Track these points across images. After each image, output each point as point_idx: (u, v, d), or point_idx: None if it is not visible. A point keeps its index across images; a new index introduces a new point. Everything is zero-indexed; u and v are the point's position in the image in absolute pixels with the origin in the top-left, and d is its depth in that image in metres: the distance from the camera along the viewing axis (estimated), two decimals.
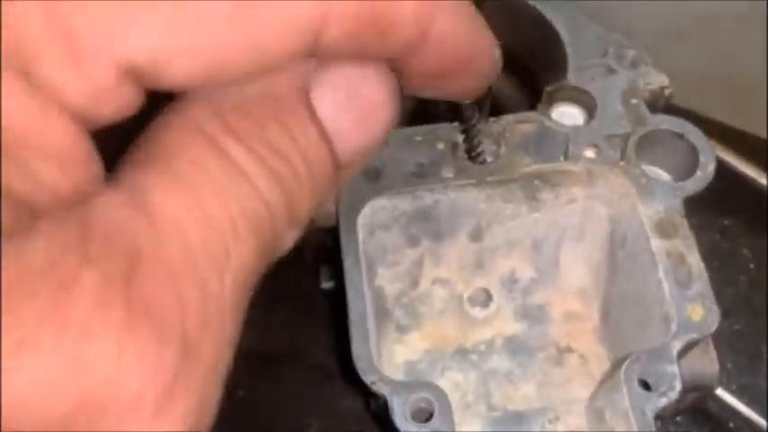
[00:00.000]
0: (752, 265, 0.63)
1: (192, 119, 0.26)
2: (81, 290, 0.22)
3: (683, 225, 0.44)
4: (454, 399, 0.51)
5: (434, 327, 0.53)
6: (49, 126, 0.24)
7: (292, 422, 0.59)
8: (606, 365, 0.50)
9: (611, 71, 0.49)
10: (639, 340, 0.45)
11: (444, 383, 0.50)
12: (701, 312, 0.42)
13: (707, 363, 0.45)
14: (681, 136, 0.46)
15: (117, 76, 0.25)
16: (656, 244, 0.44)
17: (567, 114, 0.48)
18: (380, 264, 0.50)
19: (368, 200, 0.46)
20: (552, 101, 0.48)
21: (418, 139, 0.47)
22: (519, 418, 0.49)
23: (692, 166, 0.46)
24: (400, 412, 0.40)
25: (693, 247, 0.43)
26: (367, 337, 0.42)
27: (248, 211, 0.26)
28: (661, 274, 0.43)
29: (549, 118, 0.47)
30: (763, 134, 0.65)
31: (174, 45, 0.25)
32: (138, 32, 0.24)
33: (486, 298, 0.52)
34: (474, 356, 0.53)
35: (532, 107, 0.48)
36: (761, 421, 0.56)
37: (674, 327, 0.41)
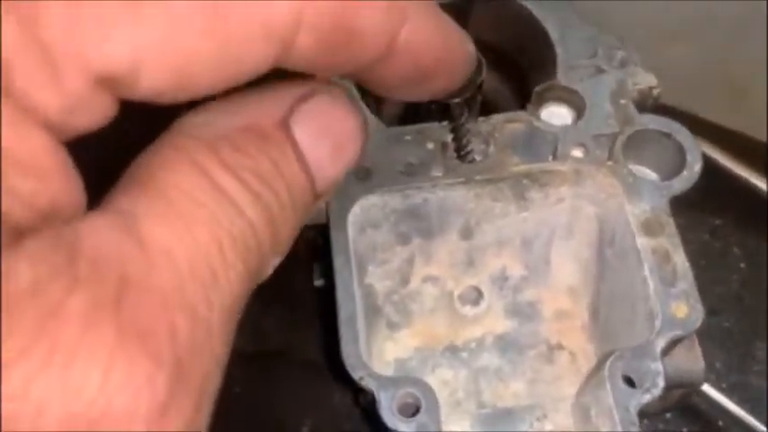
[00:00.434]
0: (742, 264, 0.63)
1: (184, 149, 0.27)
2: (69, 313, 0.22)
3: (669, 224, 0.44)
4: (444, 396, 0.51)
5: (425, 324, 0.54)
6: (24, 139, 0.24)
7: (286, 419, 0.60)
8: (595, 363, 0.51)
9: (601, 71, 0.49)
10: (627, 337, 0.46)
11: (434, 381, 0.51)
12: (686, 310, 0.42)
13: (692, 360, 0.45)
14: (668, 135, 0.46)
15: (91, 86, 0.25)
16: (642, 242, 0.44)
17: (556, 114, 0.49)
18: (371, 262, 0.51)
19: (358, 198, 0.46)
20: (541, 101, 0.49)
21: (408, 138, 0.48)
22: (507, 415, 0.49)
23: (679, 165, 0.46)
24: (387, 407, 0.40)
25: (679, 246, 0.44)
26: (356, 335, 0.42)
27: (237, 239, 0.26)
28: (646, 272, 0.43)
29: (538, 118, 0.48)
30: (756, 134, 0.65)
31: (148, 53, 0.25)
32: (112, 42, 0.24)
33: (476, 296, 0.53)
34: (464, 354, 0.53)
35: (522, 107, 0.49)
36: (750, 420, 0.57)
37: (658, 324, 0.42)
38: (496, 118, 0.48)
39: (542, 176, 0.47)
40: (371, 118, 0.49)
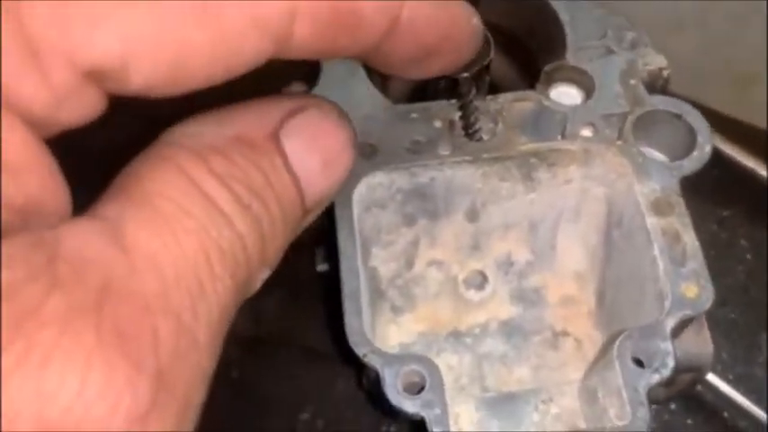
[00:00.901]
0: (749, 256, 0.63)
1: (173, 157, 0.27)
2: (46, 315, 0.21)
3: (680, 204, 0.44)
4: (448, 381, 0.50)
5: (429, 309, 0.53)
6: (8, 135, 0.24)
7: (286, 405, 0.59)
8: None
9: (610, 52, 0.49)
10: (634, 320, 0.45)
11: (438, 366, 0.50)
12: (696, 290, 0.41)
13: (701, 343, 0.44)
14: (678, 116, 0.46)
15: (78, 80, 0.24)
16: (652, 222, 0.43)
17: (566, 94, 0.48)
18: (375, 243, 0.50)
19: (363, 176, 0.46)
20: (550, 80, 0.48)
21: (414, 116, 0.47)
22: (512, 399, 0.49)
23: (689, 146, 0.45)
24: (392, 384, 0.39)
25: (689, 226, 0.43)
26: (360, 310, 0.42)
27: (225, 251, 0.26)
28: (656, 252, 0.43)
29: (548, 97, 0.47)
30: (762, 124, 0.65)
31: (138, 46, 0.24)
32: (100, 35, 0.24)
33: (481, 280, 0.52)
34: (468, 339, 0.52)
35: (531, 87, 0.48)
36: (756, 411, 0.56)
37: (667, 304, 0.41)
38: (505, 96, 0.47)
39: (551, 155, 0.46)
40: (378, 95, 0.48)
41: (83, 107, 0.25)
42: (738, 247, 0.63)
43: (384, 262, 0.51)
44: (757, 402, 0.56)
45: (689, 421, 0.58)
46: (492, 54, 0.47)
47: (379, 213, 0.48)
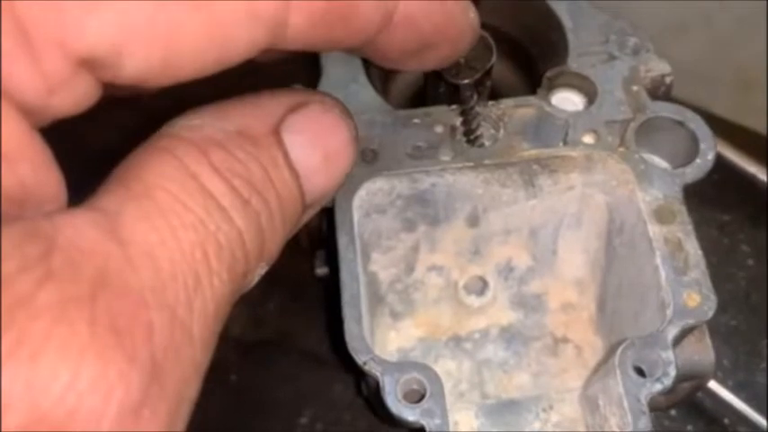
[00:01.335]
0: (750, 262, 0.63)
1: (172, 150, 0.27)
2: (39, 305, 0.21)
3: (682, 212, 0.43)
4: (447, 387, 0.50)
5: (429, 314, 0.53)
6: (1, 123, 0.23)
7: (285, 408, 0.59)
8: (601, 356, 0.50)
9: (613, 57, 0.48)
10: (635, 328, 0.45)
11: (438, 372, 0.50)
12: (698, 299, 0.41)
13: (702, 351, 0.44)
14: (681, 123, 0.46)
15: (71, 68, 0.24)
16: (654, 230, 0.43)
17: (567, 100, 0.48)
18: (375, 248, 0.50)
19: (364, 181, 0.45)
20: (552, 86, 0.48)
21: (416, 121, 0.47)
22: (513, 406, 0.49)
23: (691, 153, 0.45)
24: (392, 392, 0.39)
25: (691, 234, 0.43)
26: (360, 317, 0.41)
27: (223, 245, 0.26)
28: (658, 261, 0.42)
29: (549, 103, 0.47)
30: (762, 129, 0.64)
31: (131, 34, 0.24)
32: (93, 22, 0.24)
33: (481, 286, 0.52)
34: (468, 345, 0.52)
35: (532, 92, 0.48)
36: (756, 418, 0.56)
37: (669, 313, 0.41)
38: (506, 102, 0.47)
39: (552, 162, 0.46)
40: (379, 100, 0.48)
41: (76, 95, 0.25)
42: (739, 252, 0.63)
43: (384, 267, 0.51)
44: (758, 409, 0.55)
45: (689, 428, 0.58)
46: (494, 59, 0.47)
47: (380, 219, 0.48)
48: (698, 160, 0.45)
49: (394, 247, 0.50)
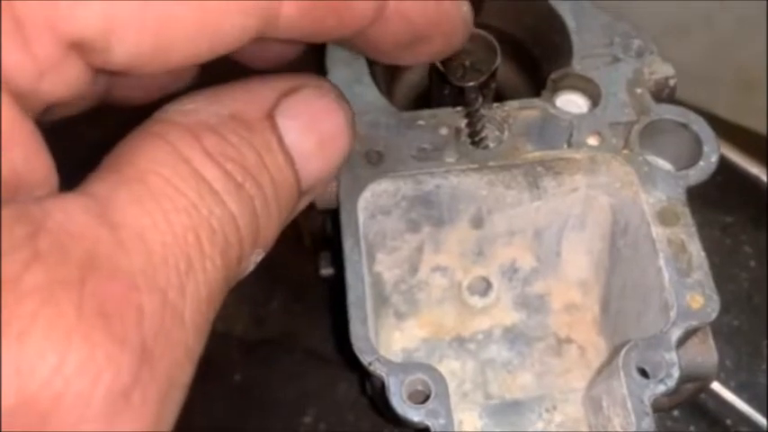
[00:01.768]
0: (753, 263, 0.63)
1: (165, 135, 0.26)
2: (26, 287, 0.21)
3: (685, 214, 0.44)
4: (451, 387, 0.50)
5: (432, 315, 0.53)
6: None
7: (288, 407, 0.59)
8: (605, 356, 0.50)
9: (617, 60, 0.49)
10: (639, 330, 0.45)
11: (442, 372, 0.50)
12: (701, 300, 0.41)
13: (706, 353, 0.44)
14: (685, 126, 0.46)
15: (62, 51, 0.24)
16: (658, 232, 0.43)
17: (572, 102, 0.48)
18: (380, 249, 0.50)
19: (369, 182, 0.45)
20: (556, 88, 0.48)
21: (421, 123, 0.47)
22: (516, 406, 0.49)
23: (695, 156, 0.45)
24: (397, 393, 0.39)
25: (695, 236, 0.43)
26: (365, 318, 0.42)
27: (216, 229, 0.26)
28: (661, 262, 0.42)
29: (554, 105, 0.47)
30: (765, 131, 0.65)
31: (121, 19, 0.24)
32: (83, 7, 0.24)
33: (485, 287, 0.52)
34: (472, 345, 0.52)
35: (537, 94, 0.48)
36: (759, 418, 0.56)
37: (673, 314, 0.41)
38: (511, 104, 0.47)
39: (557, 164, 0.46)
40: (384, 101, 0.48)
41: (67, 79, 0.25)
42: (742, 253, 0.63)
43: (388, 267, 0.51)
44: (759, 410, 0.56)
45: (692, 428, 0.58)
46: (498, 62, 0.47)
47: (384, 220, 0.48)
48: (701, 163, 0.45)
49: (398, 248, 0.51)
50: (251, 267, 0.29)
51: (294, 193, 0.30)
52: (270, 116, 0.29)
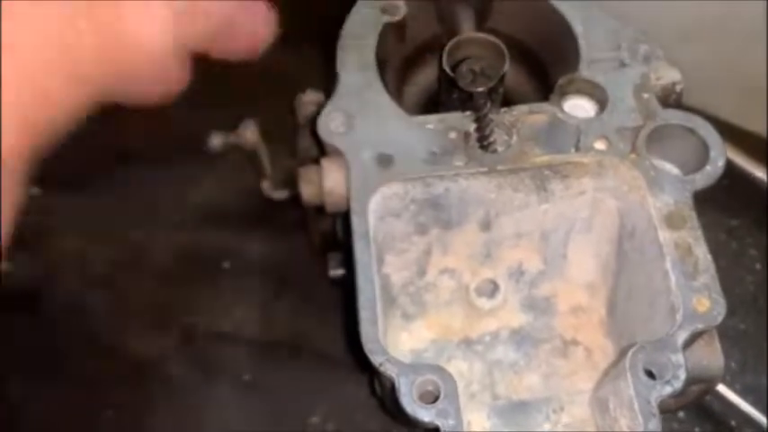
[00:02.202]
0: (758, 266, 0.63)
1: None
2: None
3: (692, 218, 0.44)
4: (459, 388, 0.51)
5: (440, 316, 0.54)
6: None
7: (297, 408, 0.60)
8: (611, 358, 0.50)
9: (624, 65, 0.49)
10: (645, 332, 0.46)
11: (453, 375, 0.50)
12: (707, 304, 0.42)
13: (712, 355, 0.45)
14: (691, 130, 0.46)
15: None
16: (664, 235, 0.44)
17: (579, 107, 0.48)
18: (388, 251, 0.50)
19: (380, 186, 0.46)
20: (564, 93, 0.48)
21: (430, 127, 0.48)
22: (523, 407, 0.49)
23: (702, 160, 0.46)
24: (407, 393, 0.40)
25: (701, 240, 0.44)
26: (375, 320, 0.42)
27: None
28: (668, 266, 0.43)
29: (561, 110, 0.48)
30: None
31: None
32: None
33: (492, 289, 0.53)
34: (479, 347, 0.53)
35: (545, 99, 0.49)
36: (763, 420, 0.57)
37: (679, 317, 0.42)
38: (519, 109, 0.48)
39: (564, 168, 0.47)
40: (394, 106, 0.48)
41: None
42: (747, 256, 0.64)
43: (397, 269, 0.52)
44: (765, 412, 0.56)
45: (696, 429, 0.59)
46: (506, 67, 0.47)
47: (393, 222, 0.49)
48: (708, 167, 0.45)
49: (407, 250, 0.51)
50: None
51: None
52: None
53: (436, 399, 0.40)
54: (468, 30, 0.51)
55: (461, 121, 0.48)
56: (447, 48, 0.48)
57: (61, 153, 0.33)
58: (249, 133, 0.62)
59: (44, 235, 0.64)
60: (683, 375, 0.40)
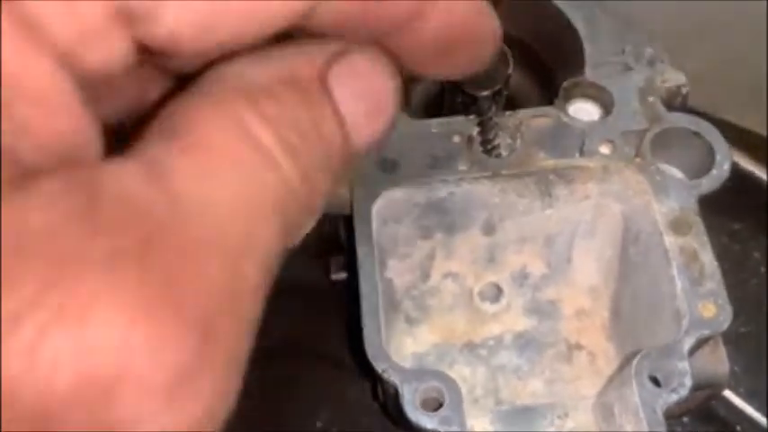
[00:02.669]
0: (762, 269, 0.63)
1: (221, 99, 0.26)
2: (85, 261, 0.20)
3: (698, 223, 0.44)
4: (462, 393, 0.51)
5: (443, 320, 0.54)
6: (31, 66, 0.22)
7: (299, 412, 0.60)
8: (615, 363, 0.50)
9: (629, 68, 0.49)
10: (650, 337, 0.45)
11: (457, 382, 0.50)
12: (714, 309, 0.42)
13: (717, 361, 0.45)
14: (697, 134, 0.46)
15: (106, 17, 0.23)
16: (670, 241, 0.44)
17: (584, 110, 0.48)
18: (391, 255, 0.50)
19: (383, 190, 0.46)
20: (569, 96, 0.48)
21: (434, 131, 0.47)
22: (528, 413, 0.49)
23: (707, 164, 0.46)
24: (410, 400, 0.40)
25: (707, 245, 0.43)
26: (379, 326, 0.42)
27: (274, 197, 0.25)
28: (674, 271, 0.43)
29: (566, 113, 0.47)
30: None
31: None
32: None
33: (496, 293, 0.52)
34: (483, 351, 0.53)
35: (549, 102, 0.48)
36: None
37: (685, 323, 0.41)
38: (524, 113, 0.48)
39: (569, 172, 0.47)
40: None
41: (110, 50, 0.24)
42: (751, 259, 0.63)
43: (400, 274, 0.52)
44: None
45: None
46: (511, 70, 0.47)
47: (397, 226, 0.49)
48: (714, 171, 0.45)
49: (410, 254, 0.51)
50: (302, 235, 0.29)
51: (346, 157, 0.28)
52: (322, 77, 0.28)
53: (440, 406, 0.40)
54: None
55: (465, 124, 0.47)
56: None
57: None
58: None
59: None
60: (689, 383, 0.40)
